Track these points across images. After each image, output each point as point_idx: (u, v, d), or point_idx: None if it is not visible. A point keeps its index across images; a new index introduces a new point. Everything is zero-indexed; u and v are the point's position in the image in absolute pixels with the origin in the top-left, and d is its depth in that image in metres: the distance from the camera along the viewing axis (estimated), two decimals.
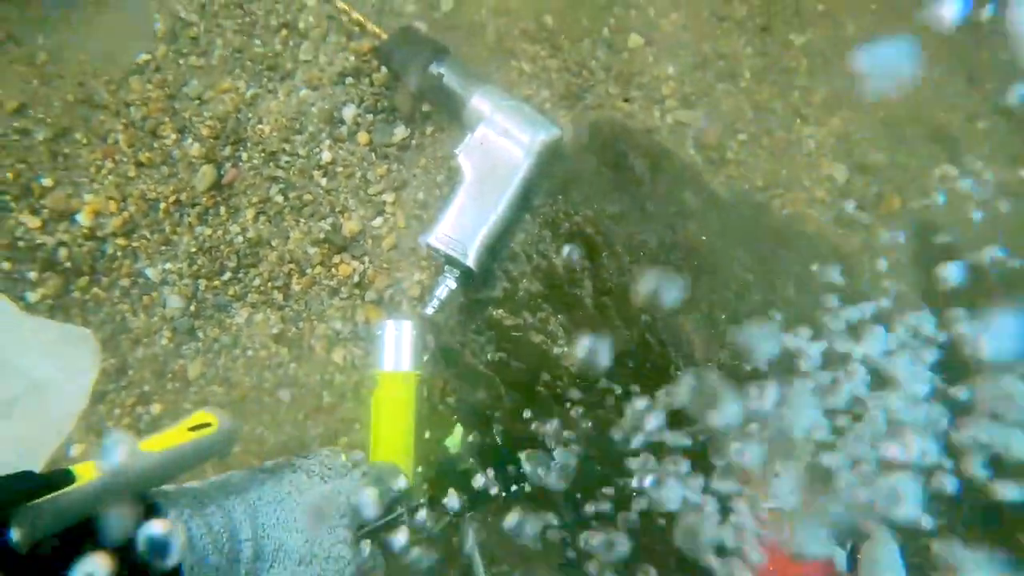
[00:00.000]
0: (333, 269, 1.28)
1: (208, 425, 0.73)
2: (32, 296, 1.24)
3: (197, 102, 1.33)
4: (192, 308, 1.27)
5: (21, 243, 1.25)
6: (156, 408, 1.22)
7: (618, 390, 1.16)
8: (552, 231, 1.21)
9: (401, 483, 0.92)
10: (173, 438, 0.69)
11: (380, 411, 1.10)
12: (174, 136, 1.32)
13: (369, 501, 0.81)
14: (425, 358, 1.17)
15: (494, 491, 1.01)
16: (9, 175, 1.26)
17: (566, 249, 1.20)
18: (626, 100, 1.38)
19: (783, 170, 1.40)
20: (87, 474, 0.57)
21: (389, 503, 0.87)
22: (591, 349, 1.18)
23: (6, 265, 1.24)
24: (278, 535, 0.68)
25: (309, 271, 1.28)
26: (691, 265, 1.22)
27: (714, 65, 1.42)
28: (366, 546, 0.79)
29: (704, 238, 1.25)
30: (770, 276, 1.26)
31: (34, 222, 1.26)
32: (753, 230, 1.32)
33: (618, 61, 1.40)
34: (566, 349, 1.19)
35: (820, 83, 1.42)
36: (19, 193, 1.26)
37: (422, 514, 0.92)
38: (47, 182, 1.28)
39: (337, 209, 1.30)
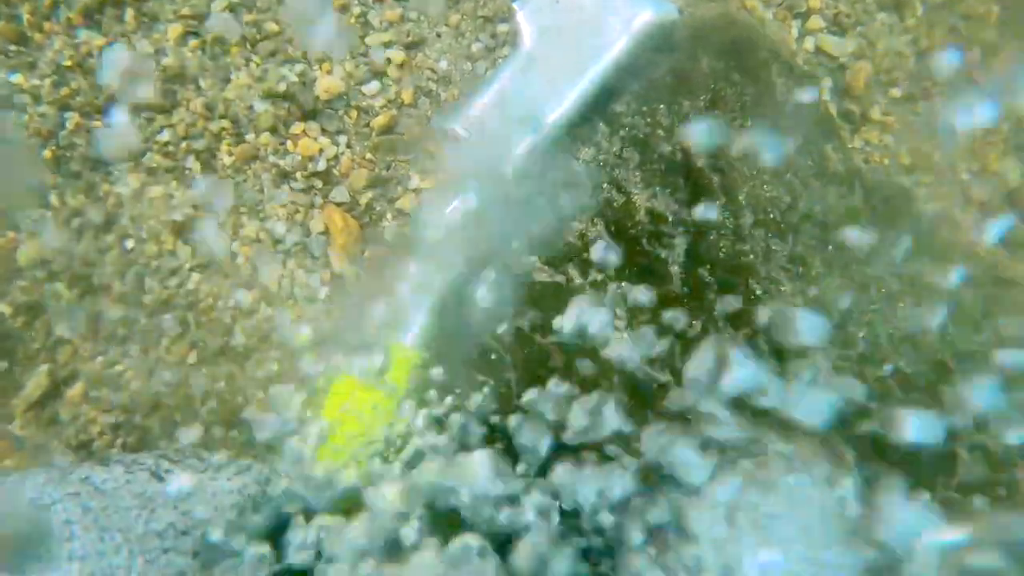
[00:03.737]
0: (289, 142, 0.82)
1: None
2: None
3: None
4: (48, 154, 0.79)
5: None
6: None
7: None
8: (641, 153, 0.79)
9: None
10: None
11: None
12: None
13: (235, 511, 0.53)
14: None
15: None
16: None
17: (658, 185, 0.78)
18: None
19: (937, 151, 1.02)
20: None
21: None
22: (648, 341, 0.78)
23: None
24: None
25: (251, 138, 0.82)
26: (823, 249, 0.82)
27: None
28: None
29: (842, 214, 0.85)
30: (917, 289, 0.88)
31: None
32: (893, 221, 0.93)
33: None
34: (625, 335, 0.78)
35: (1011, 42, 1.03)
36: None
37: None
38: None
39: (312, 54, 0.84)
